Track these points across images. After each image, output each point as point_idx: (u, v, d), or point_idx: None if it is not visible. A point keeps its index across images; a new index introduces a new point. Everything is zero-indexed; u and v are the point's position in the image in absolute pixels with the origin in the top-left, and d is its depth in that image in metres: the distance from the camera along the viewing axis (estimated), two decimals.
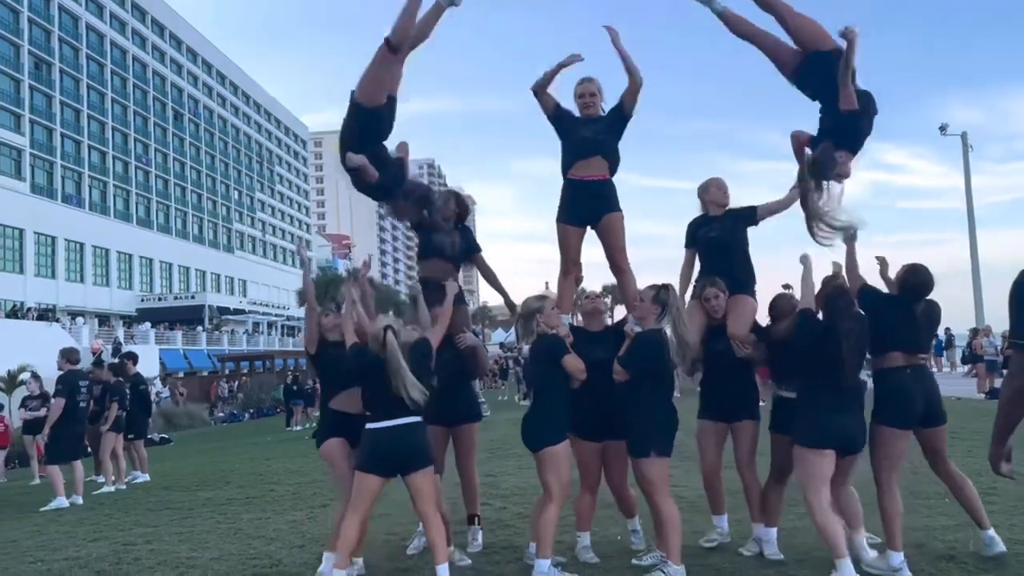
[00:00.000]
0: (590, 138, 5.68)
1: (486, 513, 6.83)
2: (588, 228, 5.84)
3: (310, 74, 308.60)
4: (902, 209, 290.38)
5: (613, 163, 5.76)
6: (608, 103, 5.85)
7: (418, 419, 4.95)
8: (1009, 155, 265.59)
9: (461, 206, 6.32)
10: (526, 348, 6.38)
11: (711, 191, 5.93)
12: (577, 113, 5.88)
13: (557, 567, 5.01)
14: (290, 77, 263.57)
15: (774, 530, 5.44)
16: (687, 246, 5.99)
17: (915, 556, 5.08)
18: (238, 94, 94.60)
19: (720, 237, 5.76)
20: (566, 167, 5.79)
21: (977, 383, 20.60)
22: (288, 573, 5.79)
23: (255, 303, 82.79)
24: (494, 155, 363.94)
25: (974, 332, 20.32)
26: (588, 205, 5.70)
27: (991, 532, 5.12)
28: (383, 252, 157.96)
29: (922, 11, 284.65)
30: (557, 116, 5.88)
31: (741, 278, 5.71)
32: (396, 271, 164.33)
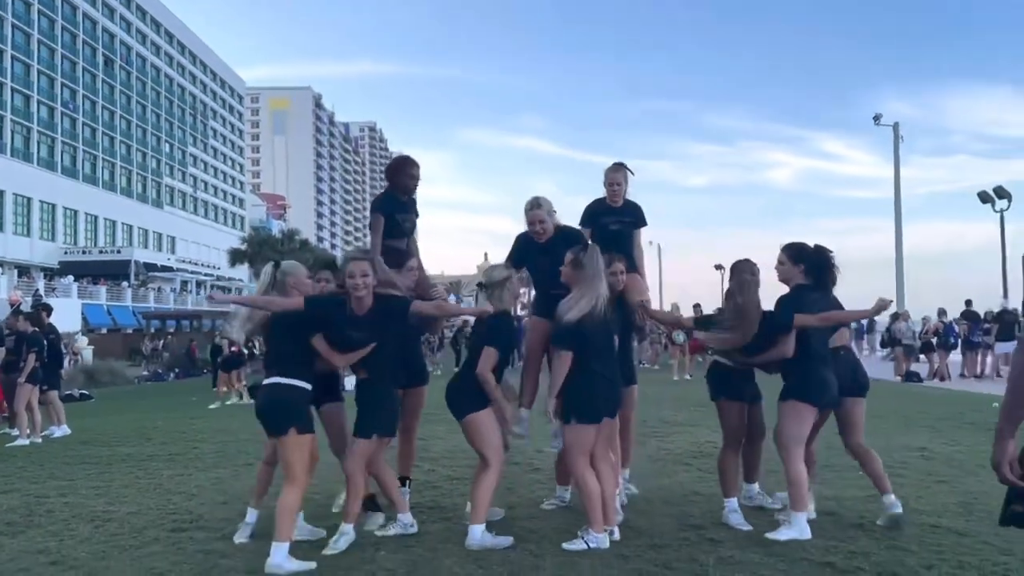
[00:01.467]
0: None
1: (415, 475, 6.82)
2: None
3: (249, 26, 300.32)
4: (838, 197, 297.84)
5: None
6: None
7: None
8: (939, 149, 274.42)
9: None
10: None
11: (613, 177, 6.17)
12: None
13: (491, 532, 5.03)
14: (228, 28, 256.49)
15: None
16: (583, 224, 6.21)
17: (827, 524, 5.29)
18: (173, 43, 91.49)
19: (620, 230, 6.11)
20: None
21: (895, 366, 21.35)
22: (209, 527, 5.70)
23: (184, 261, 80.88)
24: (438, 122, 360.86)
25: (894, 317, 21.03)
26: None
27: (892, 496, 5.33)
28: (319, 214, 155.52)
29: (864, 5, 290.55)
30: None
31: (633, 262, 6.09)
32: (333, 234, 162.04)
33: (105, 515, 6.19)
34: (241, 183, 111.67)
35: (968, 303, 21.14)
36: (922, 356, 21.51)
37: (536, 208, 5.73)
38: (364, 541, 5.11)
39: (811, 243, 5.47)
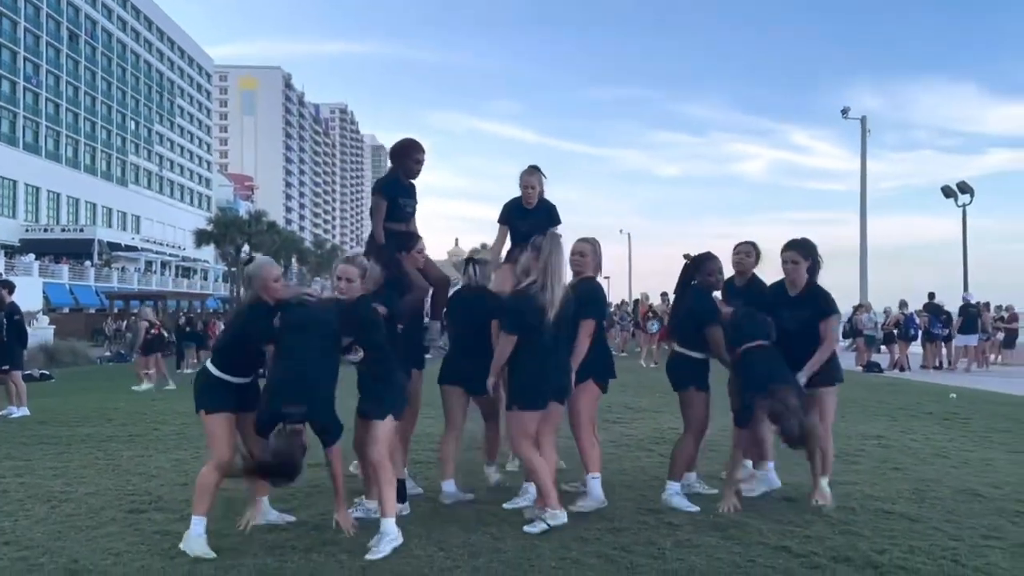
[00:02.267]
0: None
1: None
2: None
3: (218, 4, 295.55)
4: (806, 189, 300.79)
5: None
6: None
7: None
8: (904, 144, 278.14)
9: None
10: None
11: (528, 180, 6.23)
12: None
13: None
14: (197, 5, 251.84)
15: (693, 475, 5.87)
16: (500, 221, 6.36)
17: (784, 509, 5.40)
18: (140, 19, 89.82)
19: (529, 232, 5.94)
20: None
21: (856, 356, 21.70)
22: (168, 509, 5.66)
23: (149, 240, 79.82)
24: (410, 105, 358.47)
25: (856, 308, 21.37)
26: None
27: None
28: (288, 196, 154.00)
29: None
30: None
31: None
32: (302, 216, 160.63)
33: (62, 495, 6.12)
34: (208, 163, 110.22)
35: (931, 296, 21.55)
36: (883, 347, 21.90)
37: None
38: (324, 523, 5.11)
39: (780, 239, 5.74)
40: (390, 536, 4.65)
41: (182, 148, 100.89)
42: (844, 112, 34.67)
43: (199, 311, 47.90)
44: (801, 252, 5.63)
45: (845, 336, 22.51)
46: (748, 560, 4.35)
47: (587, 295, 5.47)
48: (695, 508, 5.41)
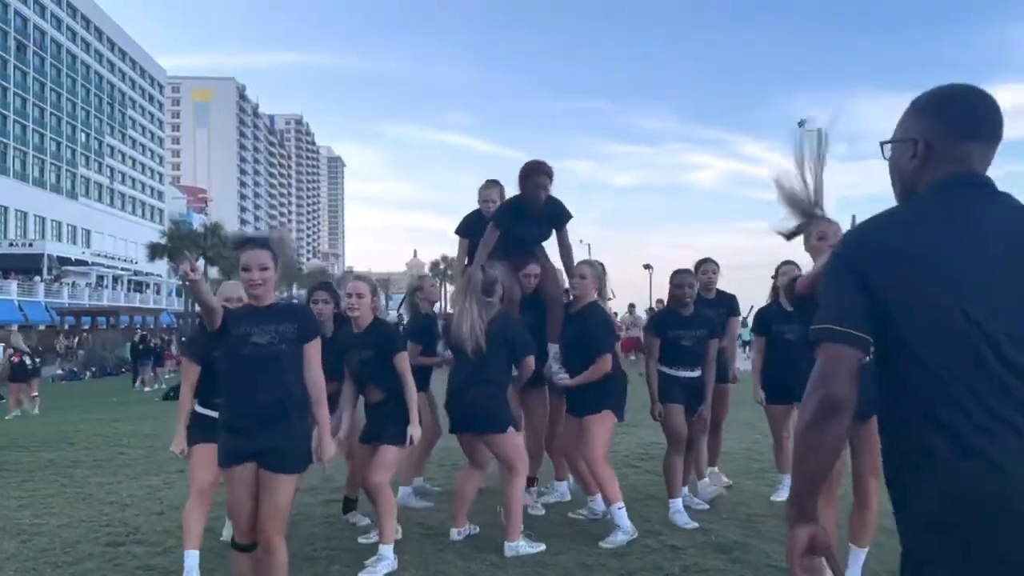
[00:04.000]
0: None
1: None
2: None
3: (171, 14, 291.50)
4: (757, 199, 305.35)
5: None
6: None
7: None
8: (852, 154, 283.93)
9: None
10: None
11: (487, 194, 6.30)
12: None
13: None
14: (149, 16, 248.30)
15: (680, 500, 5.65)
16: (459, 232, 6.38)
17: (783, 527, 5.30)
18: (90, 29, 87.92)
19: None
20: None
21: None
22: (147, 541, 5.41)
23: (100, 255, 77.97)
24: (366, 116, 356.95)
25: None
26: None
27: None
28: (243, 209, 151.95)
29: (781, 10, 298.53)
30: None
31: None
32: (257, 229, 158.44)
33: (32, 528, 5.83)
34: (160, 175, 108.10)
35: None
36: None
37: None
38: (316, 553, 4.93)
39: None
40: (387, 561, 4.59)
41: (134, 160, 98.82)
42: (801, 123, 35.05)
43: (152, 327, 46.95)
44: (799, 268, 5.68)
45: None
46: None
47: (596, 326, 5.32)
48: (694, 524, 5.37)
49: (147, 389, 23.30)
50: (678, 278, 5.67)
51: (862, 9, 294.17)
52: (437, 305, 6.81)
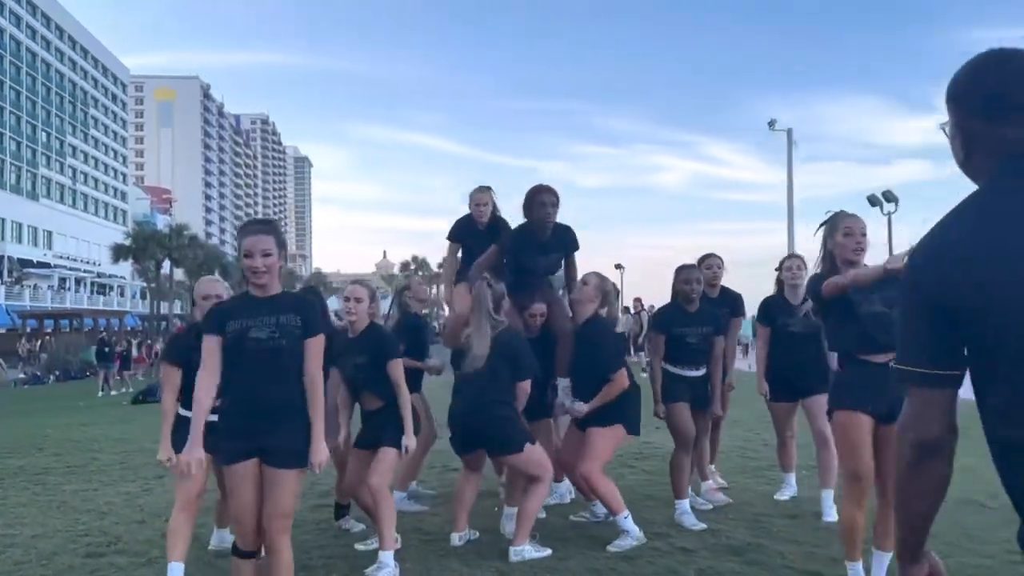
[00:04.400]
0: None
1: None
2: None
3: (134, 12, 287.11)
4: (723, 200, 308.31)
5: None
6: None
7: None
8: (816, 155, 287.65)
9: None
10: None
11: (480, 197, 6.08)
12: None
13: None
14: (112, 14, 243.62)
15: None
16: (451, 237, 6.20)
17: (792, 527, 5.18)
18: (51, 27, 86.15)
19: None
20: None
21: None
22: (129, 551, 5.13)
23: (62, 257, 76.54)
24: (333, 116, 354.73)
25: None
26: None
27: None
28: (208, 209, 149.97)
29: (747, 13, 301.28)
30: None
31: None
32: (222, 230, 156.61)
33: (5, 539, 5.53)
34: (124, 175, 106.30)
35: None
36: None
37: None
38: (312, 562, 4.69)
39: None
40: (388, 569, 4.38)
41: (96, 160, 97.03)
42: (771, 124, 35.30)
43: (117, 329, 46.09)
44: (803, 260, 5.64)
45: None
46: None
47: (603, 343, 5.07)
48: (702, 525, 5.22)
49: (113, 392, 22.78)
50: (684, 273, 5.50)
51: (826, 10, 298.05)
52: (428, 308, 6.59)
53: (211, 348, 3.41)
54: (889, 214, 28.97)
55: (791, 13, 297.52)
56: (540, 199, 5.32)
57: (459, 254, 6.20)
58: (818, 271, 4.13)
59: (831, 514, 5.35)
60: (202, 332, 3.52)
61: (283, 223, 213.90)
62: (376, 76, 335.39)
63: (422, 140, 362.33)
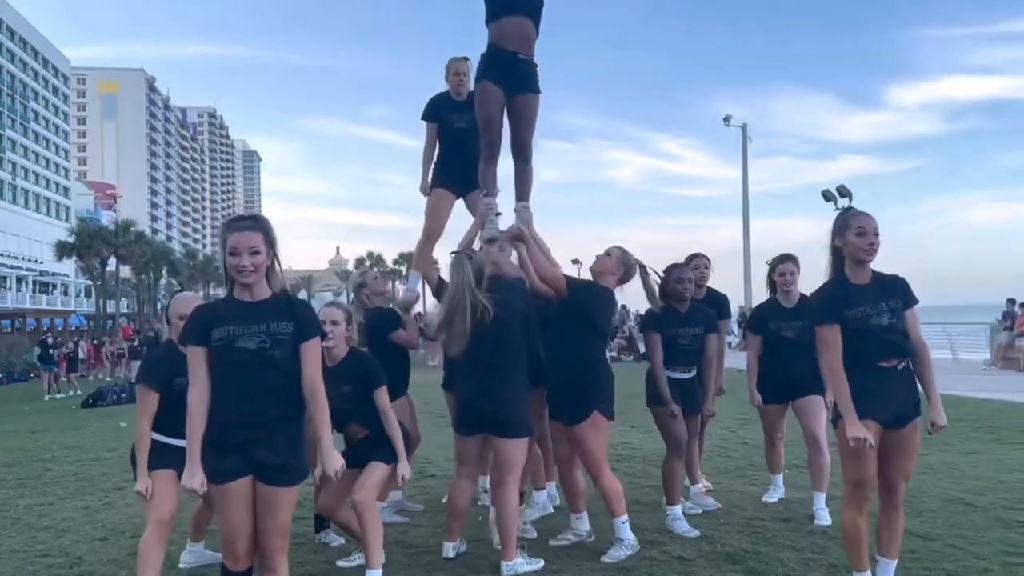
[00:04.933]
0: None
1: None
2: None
3: (76, 2, 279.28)
4: (675, 195, 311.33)
5: None
6: None
7: None
8: (766, 151, 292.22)
9: None
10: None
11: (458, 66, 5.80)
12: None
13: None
14: (52, 4, 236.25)
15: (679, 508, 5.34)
16: (426, 118, 5.85)
17: (787, 531, 5.08)
18: None
19: (468, 128, 5.55)
20: None
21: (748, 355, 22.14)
22: (97, 573, 4.81)
23: (2, 255, 74.10)
24: (283, 110, 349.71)
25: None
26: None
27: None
28: (154, 205, 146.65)
29: (699, 10, 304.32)
30: None
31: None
32: (169, 226, 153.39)
33: None
34: (66, 170, 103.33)
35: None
36: None
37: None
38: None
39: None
40: None
41: (37, 155, 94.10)
42: (726, 120, 35.64)
43: (61, 329, 44.77)
44: (796, 263, 5.54)
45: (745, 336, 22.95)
46: None
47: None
48: (695, 532, 5.10)
49: (60, 395, 22.05)
50: (677, 272, 5.34)
51: (775, 7, 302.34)
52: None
53: (197, 361, 3.16)
54: (842, 209, 29.33)
55: (742, 10, 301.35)
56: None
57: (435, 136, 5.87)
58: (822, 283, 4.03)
59: (824, 517, 5.29)
60: (184, 341, 3.26)
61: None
62: (328, 69, 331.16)
63: (375, 134, 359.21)
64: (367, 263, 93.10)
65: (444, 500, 5.75)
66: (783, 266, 5.69)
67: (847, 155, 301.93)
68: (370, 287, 5.91)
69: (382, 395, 4.37)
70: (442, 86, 5.85)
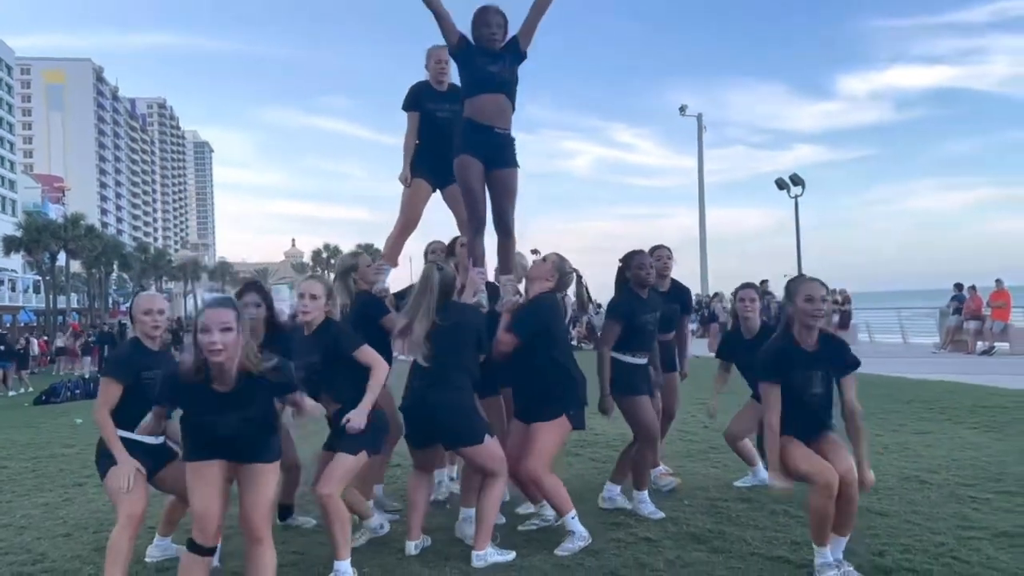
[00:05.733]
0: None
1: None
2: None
3: None
4: (631, 185, 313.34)
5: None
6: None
7: None
8: (721, 140, 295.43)
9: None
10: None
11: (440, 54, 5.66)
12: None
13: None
14: None
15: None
16: (406, 107, 5.73)
17: (749, 512, 5.21)
18: None
19: (450, 118, 5.52)
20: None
21: (709, 343, 22.51)
22: (59, 570, 4.74)
23: None
24: (236, 100, 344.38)
25: (713, 297, 22.26)
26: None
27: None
28: (103, 198, 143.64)
29: (651, 1, 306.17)
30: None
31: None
32: (119, 219, 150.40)
33: None
34: (11, 163, 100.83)
35: (764, 283, 22.65)
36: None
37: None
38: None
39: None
40: None
41: None
42: (682, 109, 36.09)
43: (10, 325, 43.75)
44: (758, 291, 5.95)
45: (702, 323, 23.29)
46: None
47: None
48: (661, 514, 5.16)
49: (12, 393, 21.58)
50: (638, 259, 5.29)
51: None
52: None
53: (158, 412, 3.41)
54: (796, 197, 29.87)
55: (695, 2, 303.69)
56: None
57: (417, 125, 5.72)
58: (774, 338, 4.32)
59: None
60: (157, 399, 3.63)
61: (183, 211, 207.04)
62: (282, 58, 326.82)
63: (330, 125, 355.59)
64: (324, 255, 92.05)
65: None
66: (744, 292, 5.78)
67: (800, 144, 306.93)
68: (360, 274, 5.50)
69: (364, 354, 4.32)
70: (418, 75, 5.73)
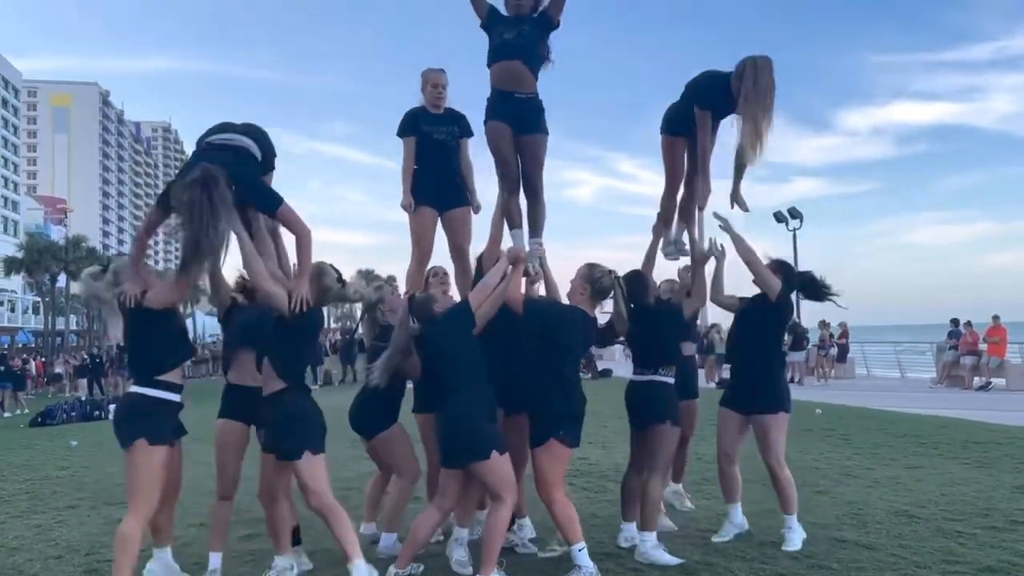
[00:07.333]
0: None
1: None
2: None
3: (28, 14, 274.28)
4: (632, 215, 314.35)
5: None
6: None
7: None
8: (720, 173, 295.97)
9: None
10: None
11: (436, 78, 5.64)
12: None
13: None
14: (2, 15, 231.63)
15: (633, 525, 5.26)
16: (402, 134, 5.65)
17: (739, 543, 5.23)
18: None
19: (446, 141, 5.60)
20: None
21: (706, 373, 22.49)
22: None
23: None
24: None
25: (710, 327, 22.24)
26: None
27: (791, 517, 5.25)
28: (106, 220, 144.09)
29: (652, 30, 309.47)
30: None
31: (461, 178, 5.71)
32: (121, 241, 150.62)
33: None
34: (15, 184, 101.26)
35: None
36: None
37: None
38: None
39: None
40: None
41: None
42: None
43: (8, 347, 43.79)
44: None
45: (699, 352, 23.29)
46: None
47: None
48: (680, 560, 4.84)
49: (7, 414, 21.58)
50: (641, 279, 5.31)
51: (727, 29, 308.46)
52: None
53: None
54: (794, 230, 29.98)
55: (693, 31, 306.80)
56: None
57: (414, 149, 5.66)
58: None
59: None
60: None
61: None
62: (283, 83, 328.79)
63: (332, 150, 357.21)
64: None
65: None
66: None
67: (799, 177, 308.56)
68: (388, 303, 5.54)
69: (283, 213, 4.52)
70: (415, 101, 5.69)
